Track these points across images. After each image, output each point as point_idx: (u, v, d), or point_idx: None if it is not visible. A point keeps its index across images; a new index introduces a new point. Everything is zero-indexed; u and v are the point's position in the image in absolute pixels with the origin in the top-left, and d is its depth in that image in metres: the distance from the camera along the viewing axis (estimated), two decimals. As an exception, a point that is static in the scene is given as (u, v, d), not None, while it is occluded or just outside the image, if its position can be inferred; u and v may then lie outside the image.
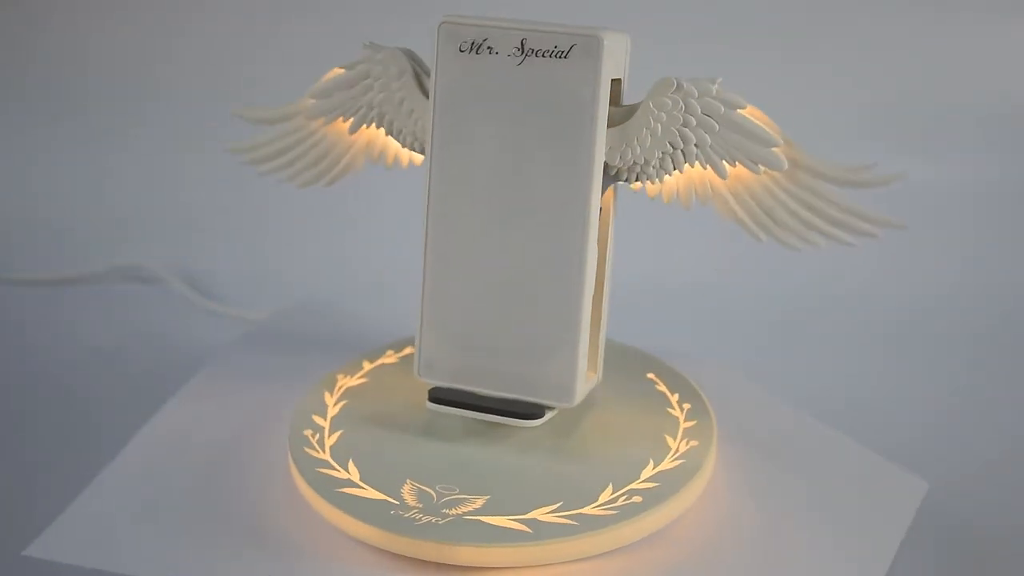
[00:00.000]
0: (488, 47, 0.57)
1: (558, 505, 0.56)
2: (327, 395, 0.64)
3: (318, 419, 0.62)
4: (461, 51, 0.58)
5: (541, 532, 0.55)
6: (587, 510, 0.56)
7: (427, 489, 0.57)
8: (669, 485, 0.58)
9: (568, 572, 0.54)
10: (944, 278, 0.92)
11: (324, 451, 0.59)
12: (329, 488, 0.57)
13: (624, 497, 0.57)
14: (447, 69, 0.58)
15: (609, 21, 0.58)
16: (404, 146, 0.63)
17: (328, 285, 0.92)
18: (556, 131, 0.57)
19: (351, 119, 0.63)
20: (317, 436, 0.61)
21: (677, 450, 0.61)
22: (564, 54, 0.56)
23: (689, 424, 0.63)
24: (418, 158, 0.63)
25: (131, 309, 0.92)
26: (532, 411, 0.60)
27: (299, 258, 0.96)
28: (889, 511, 0.59)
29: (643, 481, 0.58)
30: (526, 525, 0.55)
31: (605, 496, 0.57)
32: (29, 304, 0.92)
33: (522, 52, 0.57)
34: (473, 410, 0.60)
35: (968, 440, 0.73)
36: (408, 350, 0.69)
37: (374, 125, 0.63)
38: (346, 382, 0.65)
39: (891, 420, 0.75)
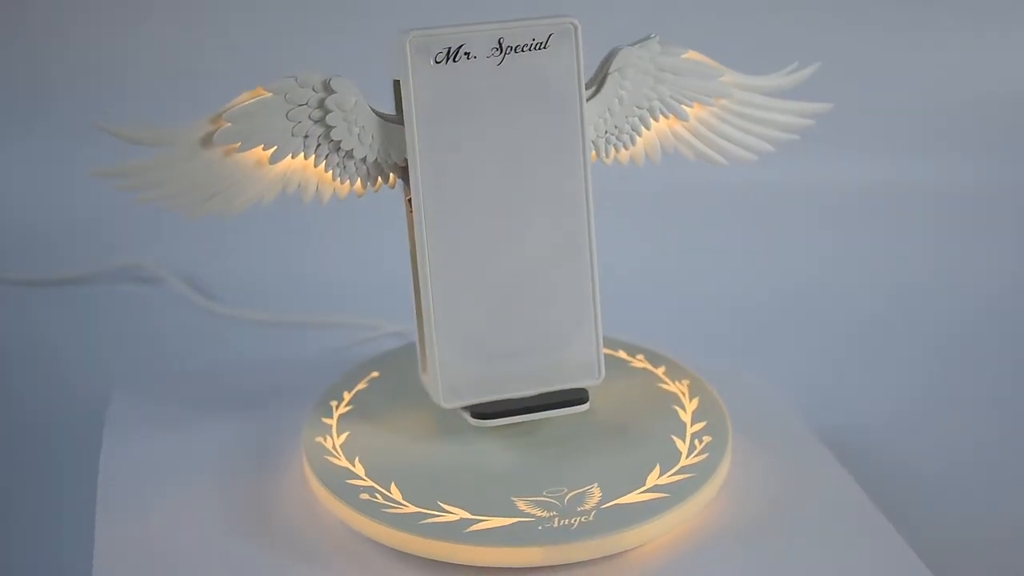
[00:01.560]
0: (465, 52, 0.57)
1: (658, 467, 0.58)
2: (334, 459, 0.60)
3: (356, 481, 0.59)
4: (437, 62, 0.56)
5: (677, 492, 0.57)
6: (686, 462, 0.59)
7: (542, 498, 0.57)
8: (718, 425, 0.61)
9: (701, 520, 0.58)
10: (943, 277, 0.92)
11: (407, 504, 0.57)
12: (459, 532, 0.55)
13: (698, 442, 0.60)
14: (424, 82, 0.56)
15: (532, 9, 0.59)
16: (336, 179, 0.58)
17: (328, 285, 0.92)
18: (545, 121, 0.58)
19: (274, 148, 0.56)
20: (379, 495, 0.58)
21: (697, 398, 0.64)
22: (543, 45, 0.58)
23: (660, 369, 0.66)
24: (344, 191, 0.59)
25: (131, 309, 0.92)
26: (576, 396, 0.61)
27: (299, 258, 0.96)
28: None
29: (695, 424, 0.61)
30: (659, 492, 0.57)
31: (684, 447, 0.60)
32: (29, 304, 0.92)
33: (501, 51, 0.57)
34: (522, 414, 0.60)
35: (968, 437, 0.73)
36: (348, 395, 0.66)
37: (302, 156, 0.57)
38: (330, 442, 0.62)
39: (885, 418, 0.75)
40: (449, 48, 0.56)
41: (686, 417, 0.62)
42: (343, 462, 0.60)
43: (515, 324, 0.60)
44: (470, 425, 0.61)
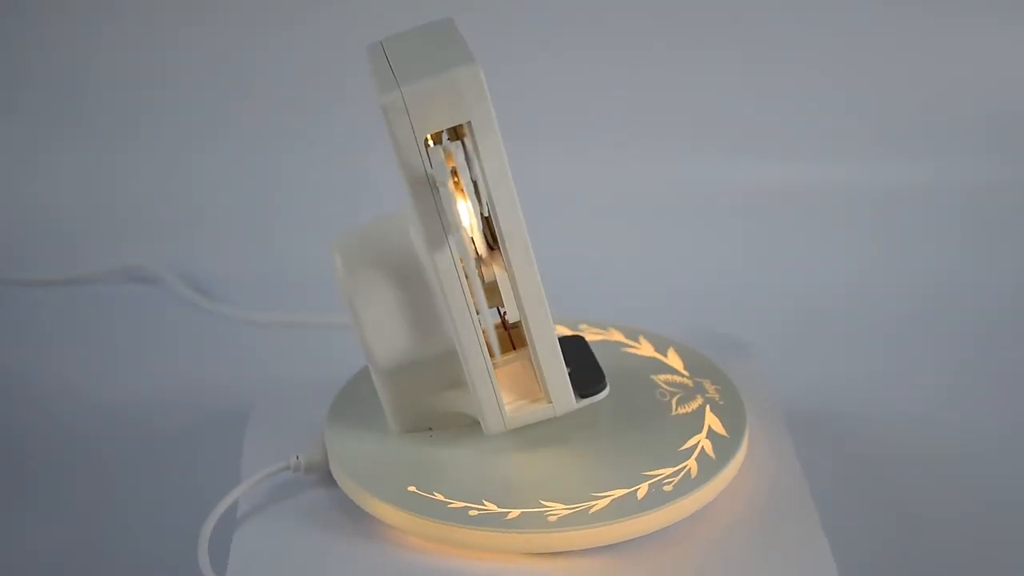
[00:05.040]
0: None
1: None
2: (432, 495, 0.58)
3: (551, 506, 0.58)
4: None
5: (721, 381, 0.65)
6: (687, 374, 0.66)
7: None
8: (732, 399, 0.64)
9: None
10: (945, 278, 0.91)
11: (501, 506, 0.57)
12: (586, 515, 0.56)
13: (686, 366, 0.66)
14: None
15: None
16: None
17: (329, 285, 0.92)
18: None
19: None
20: (478, 513, 0.57)
21: (692, 369, 0.66)
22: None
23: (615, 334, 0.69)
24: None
25: (131, 309, 0.92)
26: (577, 342, 0.64)
27: (299, 258, 0.96)
28: None
29: (714, 391, 0.65)
30: (716, 385, 0.66)
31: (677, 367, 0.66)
32: (29, 304, 0.92)
33: None
34: (604, 375, 0.61)
35: (968, 435, 0.73)
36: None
37: None
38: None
39: (886, 418, 0.75)
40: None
41: (688, 377, 0.66)
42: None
43: None
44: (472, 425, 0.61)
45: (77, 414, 0.77)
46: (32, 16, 1.07)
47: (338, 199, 1.00)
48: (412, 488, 0.58)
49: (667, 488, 0.57)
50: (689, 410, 0.63)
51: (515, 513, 0.56)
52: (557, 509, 0.56)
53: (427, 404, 0.61)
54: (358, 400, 0.65)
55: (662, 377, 0.66)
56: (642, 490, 0.57)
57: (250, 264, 0.96)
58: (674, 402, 0.64)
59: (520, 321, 0.57)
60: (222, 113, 1.05)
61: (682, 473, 0.58)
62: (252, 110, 1.06)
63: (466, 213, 0.53)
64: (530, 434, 0.60)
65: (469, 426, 0.62)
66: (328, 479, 0.61)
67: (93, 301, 0.92)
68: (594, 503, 0.56)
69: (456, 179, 0.53)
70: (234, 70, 1.06)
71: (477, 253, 0.56)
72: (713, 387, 0.65)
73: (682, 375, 0.66)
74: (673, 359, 0.67)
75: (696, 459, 0.59)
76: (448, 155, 0.52)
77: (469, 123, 0.52)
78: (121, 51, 1.07)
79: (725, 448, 0.60)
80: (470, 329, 0.57)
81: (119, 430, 0.75)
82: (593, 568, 0.56)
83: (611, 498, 0.57)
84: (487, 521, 0.56)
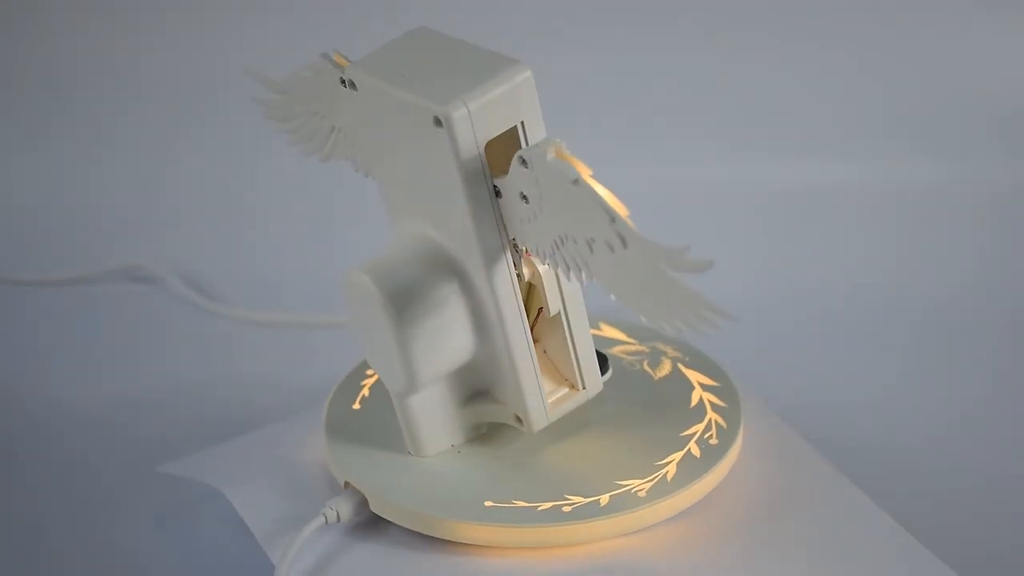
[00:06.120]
0: None
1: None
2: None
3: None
4: None
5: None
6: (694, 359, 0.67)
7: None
8: (694, 353, 0.65)
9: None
10: (950, 279, 0.91)
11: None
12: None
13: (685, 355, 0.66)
14: None
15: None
16: None
17: (329, 285, 0.92)
18: None
19: None
20: (572, 507, 0.57)
21: (637, 337, 0.67)
22: None
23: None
24: None
25: (131, 309, 0.92)
26: None
27: (299, 258, 0.96)
28: None
29: (673, 351, 0.66)
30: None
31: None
32: (29, 304, 0.92)
33: None
34: (605, 354, 0.61)
35: (979, 441, 0.73)
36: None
37: None
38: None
39: (889, 418, 0.75)
40: None
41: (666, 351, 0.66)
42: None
43: None
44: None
45: (76, 414, 0.77)
46: (32, 14, 1.07)
47: (339, 199, 1.00)
48: (488, 503, 0.57)
49: (713, 442, 0.59)
50: (667, 372, 0.65)
51: (605, 499, 0.56)
52: (638, 485, 0.57)
53: (455, 420, 0.60)
54: (351, 422, 0.63)
55: (616, 349, 0.67)
56: (695, 449, 0.59)
57: (250, 264, 0.96)
58: (647, 367, 0.65)
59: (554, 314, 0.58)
60: (223, 112, 1.05)
61: (714, 426, 0.60)
62: (254, 109, 1.06)
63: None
64: (552, 426, 0.60)
65: (485, 435, 0.61)
66: (370, 520, 0.58)
67: (93, 301, 0.92)
68: (664, 472, 0.58)
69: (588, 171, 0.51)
70: (236, 69, 1.06)
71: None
72: (668, 347, 0.66)
73: (632, 343, 0.67)
74: (610, 331, 0.68)
75: (714, 411, 0.61)
76: (557, 150, 0.50)
77: (522, 123, 0.52)
78: (121, 48, 1.07)
79: (727, 396, 0.62)
80: (520, 332, 0.56)
81: (118, 430, 0.75)
82: (676, 534, 0.57)
83: (674, 463, 0.58)
84: (584, 513, 0.56)
